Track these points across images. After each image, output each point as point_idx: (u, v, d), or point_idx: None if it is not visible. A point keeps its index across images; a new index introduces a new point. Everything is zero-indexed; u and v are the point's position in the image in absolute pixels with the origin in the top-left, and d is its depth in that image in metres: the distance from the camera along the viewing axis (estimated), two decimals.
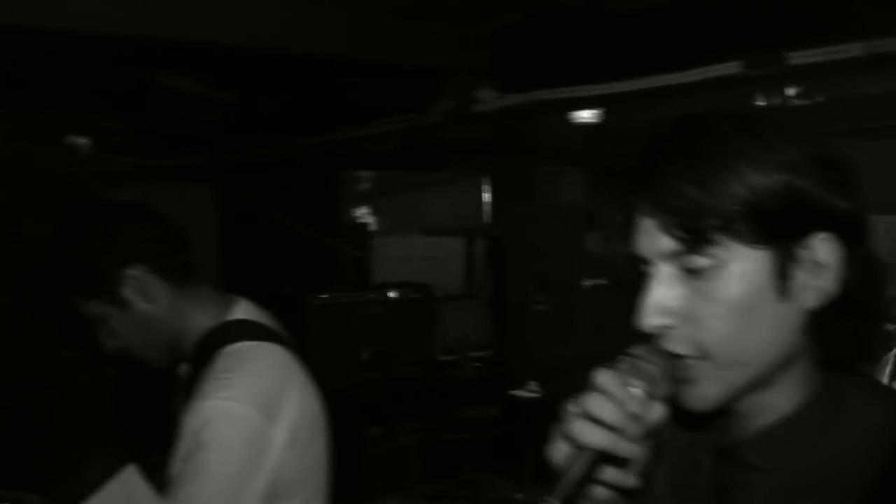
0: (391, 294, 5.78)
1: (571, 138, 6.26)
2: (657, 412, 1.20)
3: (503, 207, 6.99)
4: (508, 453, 5.42)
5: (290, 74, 4.39)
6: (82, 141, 4.78)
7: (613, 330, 5.08)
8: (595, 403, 1.17)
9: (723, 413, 1.30)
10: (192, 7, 3.28)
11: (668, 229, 1.19)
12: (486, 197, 7.42)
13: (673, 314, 1.22)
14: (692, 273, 1.20)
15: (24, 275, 4.62)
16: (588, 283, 4.97)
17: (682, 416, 1.28)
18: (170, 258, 2.29)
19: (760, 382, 1.24)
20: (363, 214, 9.76)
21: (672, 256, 1.21)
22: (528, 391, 5.35)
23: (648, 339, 1.24)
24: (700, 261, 1.18)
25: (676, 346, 1.22)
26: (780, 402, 1.26)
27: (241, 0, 3.42)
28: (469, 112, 3.97)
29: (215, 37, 3.35)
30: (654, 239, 1.22)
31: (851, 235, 1.20)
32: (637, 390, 1.18)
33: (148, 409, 5.37)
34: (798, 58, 2.84)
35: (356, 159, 6.53)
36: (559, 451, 1.20)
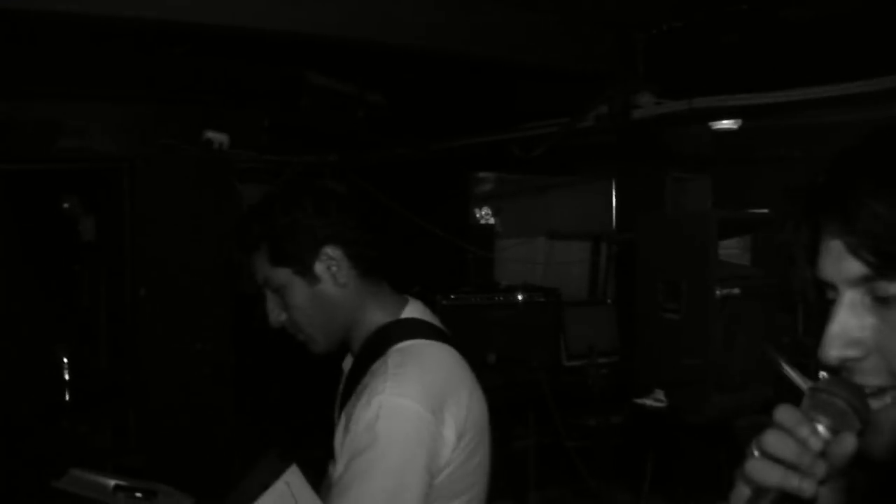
0: (519, 297, 5.78)
1: (701, 144, 6.19)
2: (848, 446, 1.12)
3: (630, 212, 6.92)
4: (629, 462, 5.37)
5: (440, 74, 4.40)
6: (220, 136, 4.89)
7: (743, 341, 4.98)
8: (775, 441, 1.11)
9: None
10: (349, 6, 3.31)
11: (857, 252, 1.10)
12: (613, 202, 7.37)
13: (860, 345, 1.14)
14: (882, 301, 1.11)
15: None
16: (720, 292, 4.88)
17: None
18: (366, 248, 2.32)
19: None
20: (486, 216, 9.78)
21: (861, 282, 1.12)
22: (654, 400, 5.28)
23: (835, 371, 1.17)
24: (892, 287, 1.10)
25: (865, 378, 1.14)
26: None
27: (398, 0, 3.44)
28: (628, 118, 3.91)
29: (365, 36, 3.37)
30: (841, 263, 1.13)
31: None
32: (821, 427, 1.11)
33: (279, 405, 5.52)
34: None
35: (486, 161, 6.53)
36: (740, 496, 1.14)
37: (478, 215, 9.85)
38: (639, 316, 5.42)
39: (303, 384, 2.76)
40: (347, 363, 2.44)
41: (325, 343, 2.38)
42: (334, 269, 2.27)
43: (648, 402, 5.38)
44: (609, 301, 6.80)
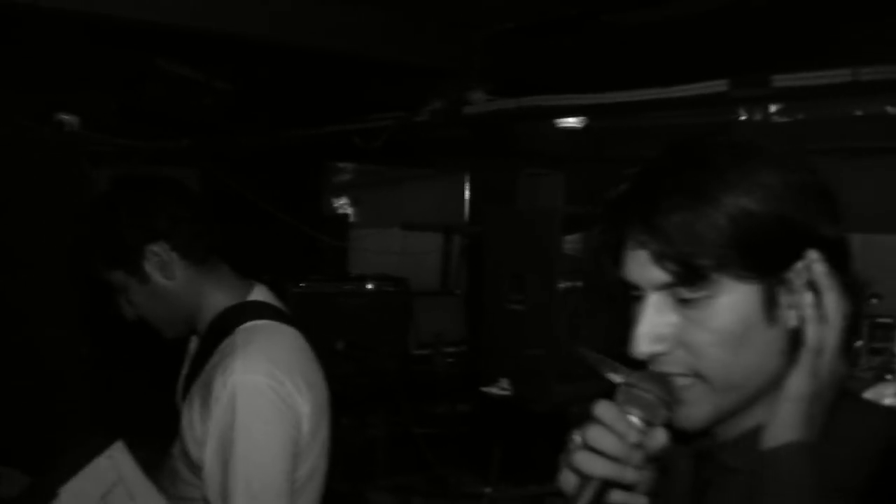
0: (368, 286, 5.83)
1: (554, 142, 6.33)
2: (660, 438, 1.24)
3: (482, 206, 7.04)
4: (477, 449, 5.47)
5: (285, 66, 4.43)
6: (71, 118, 4.82)
7: (586, 333, 5.14)
8: (596, 435, 1.20)
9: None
10: None
11: (661, 262, 1.22)
12: (466, 195, 7.47)
13: (666, 340, 1.25)
14: (684, 302, 1.23)
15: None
16: (563, 285, 5.01)
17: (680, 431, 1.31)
18: (193, 239, 2.36)
19: (748, 402, 1.28)
20: (343, 205, 9.80)
21: (664, 287, 1.24)
22: (500, 389, 5.40)
23: (643, 365, 1.28)
24: (690, 292, 1.22)
25: (671, 367, 1.26)
26: (760, 411, 1.28)
27: None
28: (459, 114, 4.02)
29: (216, 26, 3.40)
30: (646, 270, 1.25)
31: (835, 260, 1.24)
32: (636, 419, 1.22)
33: (128, 387, 5.45)
34: (782, 80, 2.93)
35: (340, 151, 6.57)
36: (568, 481, 1.24)
37: (335, 205, 9.88)
38: (486, 307, 5.53)
39: (158, 367, 2.78)
40: (193, 344, 2.49)
41: (172, 331, 2.45)
42: (162, 265, 2.32)
43: (494, 390, 5.50)
44: (458, 292, 6.90)
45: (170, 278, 2.34)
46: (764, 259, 1.20)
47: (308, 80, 4.88)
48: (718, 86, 3.06)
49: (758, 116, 4.41)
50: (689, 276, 1.21)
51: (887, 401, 4.08)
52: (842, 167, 6.70)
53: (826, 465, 1.22)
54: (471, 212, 7.38)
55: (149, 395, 2.78)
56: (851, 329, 1.27)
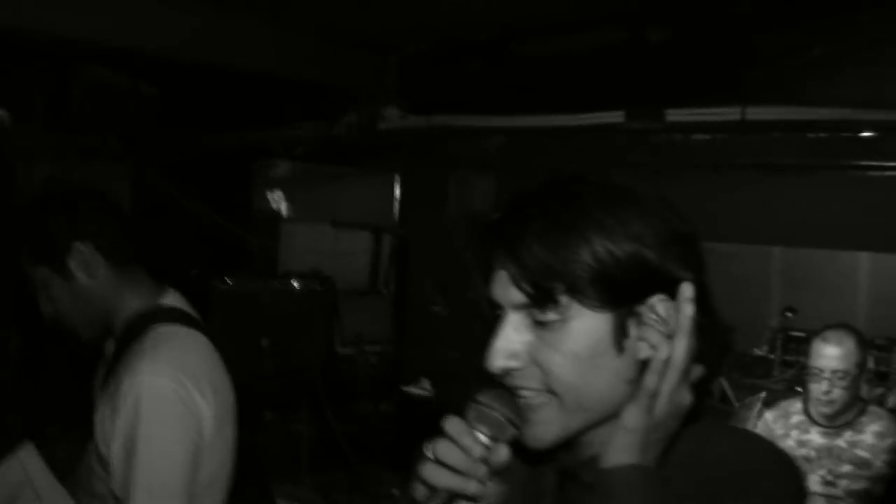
0: (295, 284, 5.89)
1: (485, 148, 6.42)
2: (502, 454, 1.30)
3: (412, 208, 7.10)
4: (399, 448, 5.54)
5: (210, 78, 4.49)
6: (2, 112, 4.81)
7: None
8: (443, 449, 1.28)
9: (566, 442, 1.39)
10: (123, 14, 3.39)
11: (519, 284, 1.29)
12: (397, 195, 7.51)
13: (519, 358, 1.32)
14: (539, 324, 1.30)
15: None
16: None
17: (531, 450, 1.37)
18: (116, 241, 2.44)
19: (597, 423, 1.35)
20: (277, 199, 9.79)
21: (521, 307, 1.31)
22: (421, 389, 5.49)
23: (496, 383, 1.34)
24: (545, 315, 1.29)
25: (524, 381, 1.32)
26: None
27: (168, 12, 3.53)
28: (373, 128, 4.13)
29: (142, 43, 3.46)
30: (506, 290, 1.31)
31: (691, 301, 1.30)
32: (482, 436, 1.29)
33: (52, 383, 5.45)
34: (675, 115, 3.06)
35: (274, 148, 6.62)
36: (418, 491, 1.31)
37: (269, 199, 9.87)
38: (410, 308, 5.62)
39: (83, 366, 2.84)
40: (109, 347, 2.55)
41: (88, 332, 2.52)
42: (86, 264, 2.39)
43: (416, 390, 5.60)
44: (385, 292, 6.96)
45: (92, 277, 2.40)
46: (616, 293, 1.28)
47: (232, 91, 4.94)
48: (615, 117, 3.19)
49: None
50: (542, 300, 1.28)
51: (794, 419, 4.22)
52: (764, 183, 6.87)
53: (670, 486, 1.30)
54: (401, 212, 7.43)
55: (75, 392, 2.83)
56: (711, 365, 1.36)
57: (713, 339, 1.36)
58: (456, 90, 3.95)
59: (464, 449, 1.28)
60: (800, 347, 5.91)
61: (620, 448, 1.29)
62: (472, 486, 1.28)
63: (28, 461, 2.30)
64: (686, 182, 7.59)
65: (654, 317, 1.30)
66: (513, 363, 1.32)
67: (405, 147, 6.06)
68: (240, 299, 5.55)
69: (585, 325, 1.29)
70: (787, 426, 4.20)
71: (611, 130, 3.27)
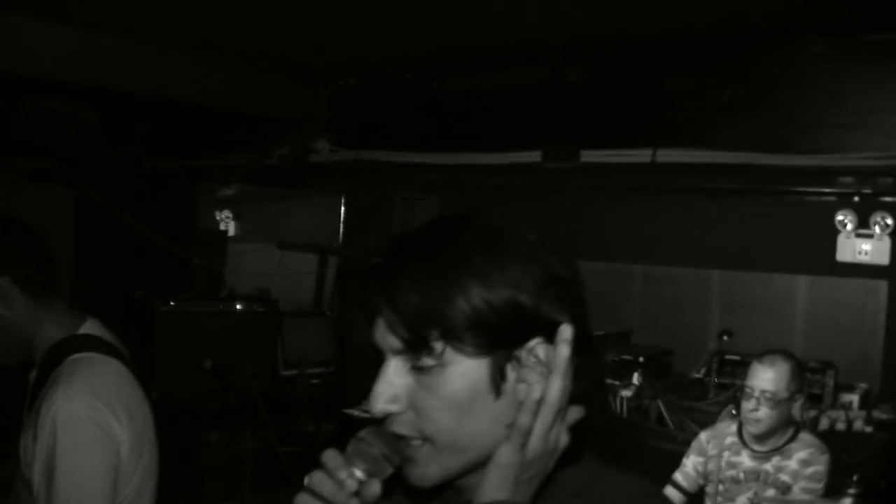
0: (238, 306, 5.91)
1: (424, 168, 6.49)
2: (374, 490, 1.34)
3: (356, 229, 7.15)
4: None
5: (148, 107, 4.55)
6: None
7: None
8: (318, 480, 1.32)
9: (451, 483, 1.43)
10: (62, 49, 3.45)
11: (395, 330, 1.33)
12: (342, 216, 7.55)
13: (399, 402, 1.36)
14: (418, 370, 1.34)
15: None
16: None
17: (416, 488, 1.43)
18: (33, 273, 2.51)
19: (480, 464, 1.37)
20: (225, 218, 9.78)
21: (400, 353, 1.35)
22: (362, 411, 5.52)
23: (378, 422, 1.39)
24: (423, 360, 1.32)
25: (401, 428, 1.37)
26: None
27: (105, 47, 3.59)
28: (305, 160, 4.20)
29: (82, 78, 3.52)
30: (385, 336, 1.36)
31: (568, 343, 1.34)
32: (357, 471, 1.33)
33: None
34: (589, 156, 3.17)
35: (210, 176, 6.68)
36: None
37: (217, 218, 9.86)
38: (354, 329, 5.65)
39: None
40: (33, 375, 2.60)
41: (8, 359, 2.58)
42: (4, 296, 2.46)
43: (356, 412, 5.64)
44: (329, 313, 6.99)
45: (10, 309, 2.47)
46: (493, 338, 1.31)
47: (171, 119, 5.00)
48: (532, 156, 3.29)
49: None
50: (417, 346, 1.32)
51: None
52: (705, 206, 6.98)
53: None
54: (345, 233, 7.47)
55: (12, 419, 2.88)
56: (591, 404, 1.41)
57: (593, 380, 1.42)
58: (382, 125, 4.04)
59: (336, 482, 1.32)
60: (735, 370, 6.00)
61: (492, 485, 1.33)
62: None
63: None
64: (628, 204, 7.72)
65: (532, 359, 1.34)
66: (392, 407, 1.37)
67: (346, 171, 6.14)
68: (183, 320, 5.57)
69: (462, 370, 1.33)
70: (720, 446, 4.32)
71: (528, 170, 3.37)
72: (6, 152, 5.20)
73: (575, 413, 1.38)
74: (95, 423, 2.32)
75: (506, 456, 1.33)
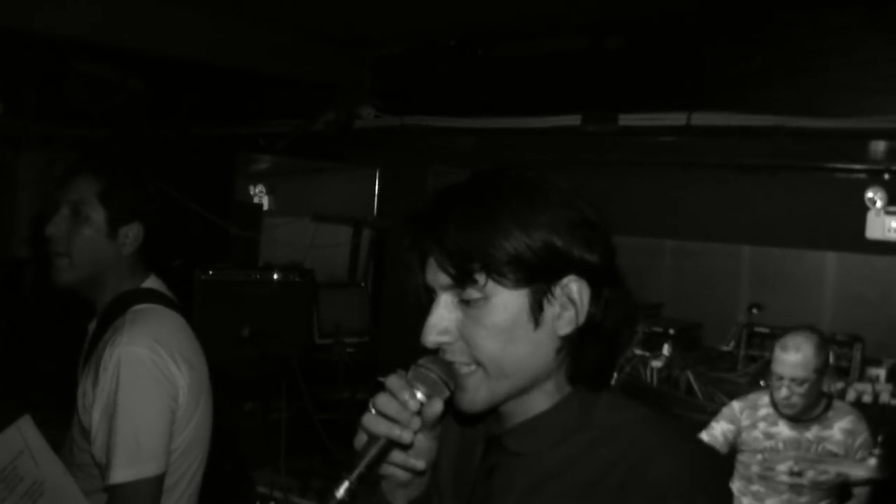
0: (275, 276, 6.03)
1: (458, 145, 6.56)
2: (436, 408, 1.50)
3: (391, 200, 7.25)
4: None
5: (196, 72, 4.63)
6: None
7: None
8: (383, 401, 1.48)
9: (494, 410, 1.59)
10: (111, 12, 3.54)
11: (444, 267, 1.48)
12: (376, 189, 7.65)
13: (450, 333, 1.51)
14: (465, 302, 1.49)
15: None
16: None
17: (464, 413, 1.58)
18: (159, 230, 2.73)
19: (521, 391, 1.55)
20: (259, 193, 9.90)
21: (449, 288, 1.50)
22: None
23: (434, 352, 1.53)
24: (470, 293, 1.48)
25: (454, 356, 1.52)
26: (536, 403, 1.56)
27: (157, 9, 3.68)
28: (350, 127, 4.30)
29: (131, 40, 3.61)
30: (435, 274, 1.51)
31: (599, 279, 1.51)
32: (419, 392, 1.49)
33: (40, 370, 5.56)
34: (627, 120, 3.27)
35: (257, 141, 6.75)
36: (359, 439, 1.50)
37: (252, 192, 9.97)
38: (387, 299, 5.74)
39: (66, 351, 2.99)
40: (92, 326, 2.72)
41: (69, 277, 2.65)
42: (133, 239, 2.63)
43: None
44: (363, 284, 7.08)
45: (120, 246, 2.63)
46: (530, 273, 1.46)
47: (217, 87, 5.07)
48: (572, 120, 3.38)
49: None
50: (464, 280, 1.47)
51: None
52: (737, 182, 7.01)
53: (581, 444, 1.54)
54: (380, 206, 7.57)
55: (59, 378, 3.00)
56: (621, 336, 1.57)
57: (622, 311, 1.56)
58: (427, 91, 4.13)
59: (401, 402, 1.47)
60: (764, 343, 6.07)
61: None
62: (405, 435, 1.46)
63: (26, 430, 2.46)
64: (659, 180, 7.78)
65: (565, 296, 1.50)
66: (444, 338, 1.52)
67: (383, 143, 6.21)
68: (221, 289, 5.68)
69: (504, 301, 1.48)
70: (753, 417, 4.34)
71: (568, 133, 3.46)
72: (52, 121, 5.30)
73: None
74: (157, 365, 2.44)
75: None
